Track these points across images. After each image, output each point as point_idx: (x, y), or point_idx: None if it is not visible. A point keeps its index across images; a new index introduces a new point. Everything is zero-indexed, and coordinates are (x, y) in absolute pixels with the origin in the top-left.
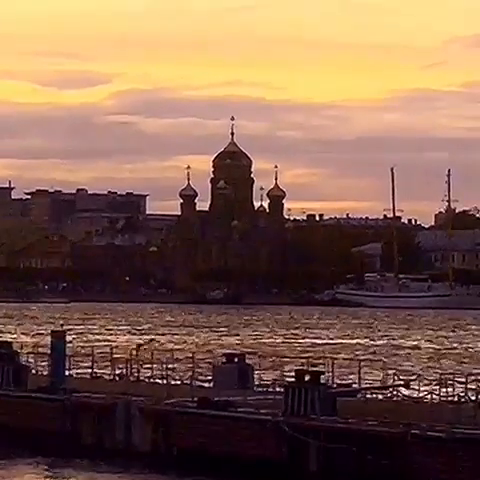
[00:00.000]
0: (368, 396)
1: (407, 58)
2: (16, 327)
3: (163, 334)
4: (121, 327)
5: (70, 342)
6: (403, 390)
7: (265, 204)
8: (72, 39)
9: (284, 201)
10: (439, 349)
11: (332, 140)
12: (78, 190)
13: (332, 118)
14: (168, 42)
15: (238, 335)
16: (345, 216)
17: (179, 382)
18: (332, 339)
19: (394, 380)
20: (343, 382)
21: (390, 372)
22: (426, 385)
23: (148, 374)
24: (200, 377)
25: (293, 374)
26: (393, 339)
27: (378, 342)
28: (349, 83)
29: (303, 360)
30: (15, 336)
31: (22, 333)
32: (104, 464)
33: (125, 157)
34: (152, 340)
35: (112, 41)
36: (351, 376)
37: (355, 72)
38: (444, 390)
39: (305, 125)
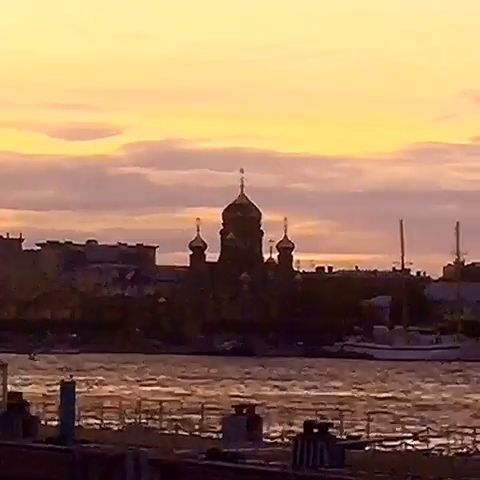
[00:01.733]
0: (377, 448)
1: (418, 111)
2: (27, 378)
3: (172, 385)
4: (130, 378)
5: (79, 393)
6: (412, 442)
7: (274, 256)
8: (84, 91)
9: (293, 253)
10: (449, 401)
11: (342, 193)
12: (88, 241)
13: (342, 171)
14: (180, 94)
15: (247, 386)
16: (354, 268)
17: (188, 433)
18: (341, 391)
19: (403, 432)
20: (352, 434)
21: (399, 424)
22: (435, 437)
23: (157, 425)
24: (209, 428)
25: (302, 426)
26: (402, 392)
27: (386, 394)
28: (360, 136)
29: (312, 412)
30: (25, 387)
31: (32, 384)
32: None
33: (135, 209)
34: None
35: (124, 93)
36: (360, 428)
37: (366, 125)
38: (452, 442)
39: (315, 178)
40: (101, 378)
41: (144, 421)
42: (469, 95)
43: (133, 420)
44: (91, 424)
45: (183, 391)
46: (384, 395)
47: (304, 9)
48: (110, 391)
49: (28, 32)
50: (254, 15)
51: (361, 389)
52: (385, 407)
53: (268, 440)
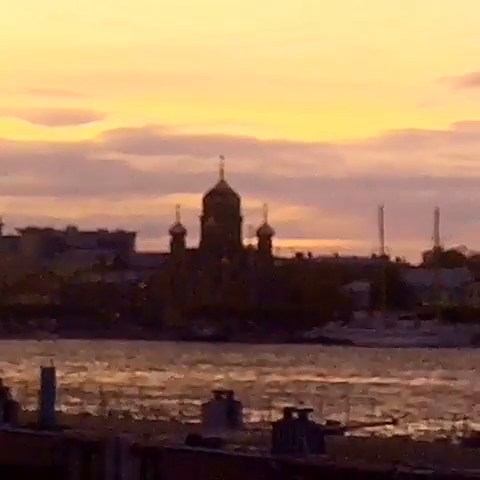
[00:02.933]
0: (356, 434)
1: (397, 98)
2: (6, 363)
3: (151, 371)
4: (109, 364)
5: (59, 378)
6: (391, 427)
7: (254, 242)
8: (64, 76)
9: (273, 239)
10: (427, 387)
11: (322, 179)
12: (68, 227)
13: (322, 157)
14: (160, 80)
15: (226, 372)
16: (333, 254)
17: (168, 419)
18: (319, 377)
19: (383, 417)
20: (331, 419)
21: (378, 409)
22: (414, 422)
23: (137, 411)
24: (189, 414)
25: (281, 411)
26: (381, 377)
27: (366, 380)
28: (340, 123)
29: (291, 397)
30: (4, 372)
31: (12, 369)
32: None
33: (116, 194)
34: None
35: (104, 79)
36: (339, 413)
37: (345, 112)
38: (431, 428)
39: (295, 164)
40: (81, 364)
41: (124, 407)
42: (449, 81)
43: (113, 406)
44: (71, 410)
45: (163, 377)
46: (364, 381)
47: None
48: (90, 377)
49: (8, 17)
50: (235, 1)
51: (340, 375)
52: (365, 392)
53: (248, 426)
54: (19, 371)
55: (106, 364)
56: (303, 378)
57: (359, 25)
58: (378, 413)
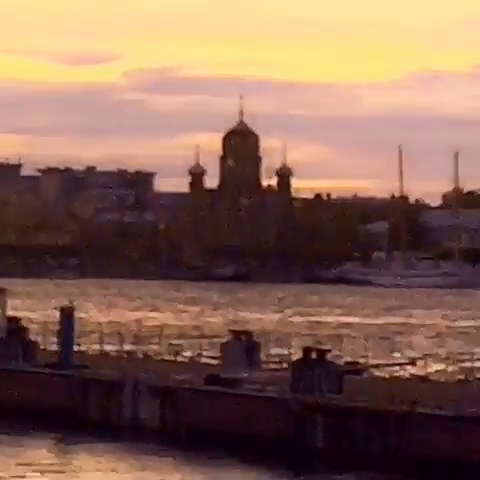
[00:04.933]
0: (375, 374)
1: (414, 40)
2: (26, 303)
3: (171, 311)
4: (130, 303)
5: (78, 318)
6: (410, 368)
7: (273, 182)
8: (83, 18)
9: (291, 179)
10: (446, 328)
11: (341, 119)
12: (88, 168)
13: (342, 97)
14: (181, 22)
15: (245, 312)
16: (352, 195)
17: (187, 359)
18: (339, 317)
19: (401, 358)
20: (350, 360)
21: (397, 350)
22: (433, 363)
23: (156, 351)
24: (208, 354)
25: (300, 351)
26: (403, 316)
27: (385, 320)
28: (359, 63)
29: (310, 337)
30: (24, 312)
31: (31, 309)
32: (111, 439)
33: (135, 134)
34: None
35: (123, 20)
36: (358, 354)
37: (366, 52)
38: (450, 368)
39: (315, 104)
40: (100, 303)
41: (143, 347)
42: (467, 23)
43: (132, 346)
44: (90, 350)
45: (182, 317)
46: (382, 321)
47: None
48: (108, 317)
49: None
50: None
51: (359, 315)
52: (383, 333)
53: (266, 366)
54: (38, 311)
55: (125, 304)
56: (322, 318)
57: None
58: (397, 354)
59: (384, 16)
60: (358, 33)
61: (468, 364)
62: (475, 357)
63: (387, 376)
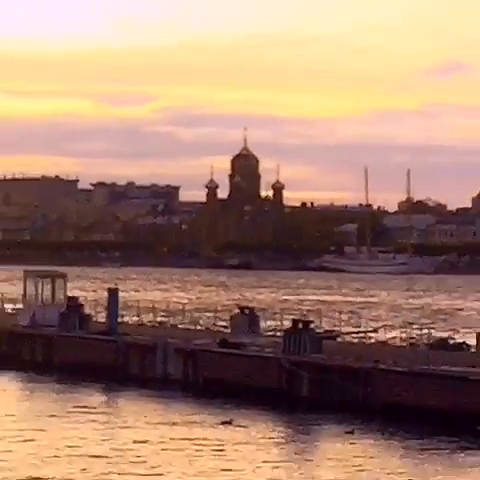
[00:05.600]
0: (346, 339)
1: (376, 85)
2: (81, 286)
3: (192, 291)
4: (160, 285)
5: (121, 297)
6: (373, 335)
7: (269, 194)
8: (129, 68)
9: (283, 192)
10: (400, 304)
11: (320, 146)
12: (128, 183)
13: (322, 129)
14: (199, 70)
15: (248, 292)
16: (330, 204)
17: (204, 328)
18: (319, 295)
19: (366, 327)
20: (328, 328)
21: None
22: (391, 331)
23: (180, 321)
24: (220, 324)
25: (290, 322)
26: (368, 297)
27: (354, 299)
28: (333, 104)
29: (298, 312)
30: (80, 292)
31: (86, 290)
32: (147, 389)
33: (165, 157)
34: None
35: (156, 70)
36: (334, 324)
37: (337, 95)
38: (404, 335)
39: (301, 134)
40: (138, 286)
41: (171, 319)
42: (419, 72)
43: (162, 318)
44: (131, 321)
45: (200, 296)
46: (352, 299)
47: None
48: (144, 295)
49: (85, 26)
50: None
51: (335, 295)
52: (353, 308)
53: (265, 333)
54: (91, 291)
55: (156, 286)
56: (306, 297)
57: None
58: (363, 324)
59: (353, 67)
60: (334, 80)
61: (417, 331)
62: (422, 326)
63: (356, 341)
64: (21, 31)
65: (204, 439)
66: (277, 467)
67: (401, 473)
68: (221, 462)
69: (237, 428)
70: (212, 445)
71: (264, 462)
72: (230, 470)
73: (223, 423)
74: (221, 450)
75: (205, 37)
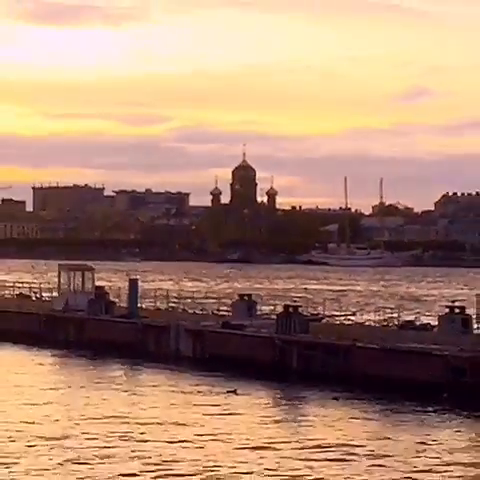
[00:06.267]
0: (329, 321)
1: (356, 108)
2: (106, 277)
3: (199, 281)
4: (173, 276)
5: (140, 286)
6: (352, 317)
7: (265, 199)
8: (142, 94)
9: (276, 197)
10: (374, 291)
11: (307, 159)
12: (146, 190)
13: (307, 145)
14: (205, 96)
15: (247, 282)
16: (315, 207)
17: (210, 312)
18: (307, 284)
19: (346, 311)
20: (313, 312)
21: (344, 306)
22: (366, 314)
23: (190, 306)
24: (223, 308)
25: (282, 307)
26: (347, 286)
27: (337, 287)
28: (317, 124)
29: (288, 298)
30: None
31: (110, 281)
32: (162, 363)
33: (176, 169)
34: None
35: (170, 95)
36: (319, 308)
37: (323, 116)
38: (377, 318)
39: (291, 149)
40: (155, 277)
41: (182, 304)
42: (389, 96)
43: (175, 303)
44: (148, 306)
45: (206, 285)
46: (335, 287)
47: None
48: (160, 285)
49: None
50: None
51: (320, 284)
52: (335, 295)
53: (260, 316)
54: (114, 282)
55: (170, 277)
56: (296, 286)
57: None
58: (343, 308)
59: (334, 93)
60: (318, 104)
61: (388, 314)
62: (393, 310)
63: (337, 322)
64: (57, 63)
65: (212, 405)
66: (274, 427)
67: (377, 431)
68: (227, 423)
69: (239, 397)
70: (220, 409)
71: (263, 423)
72: (235, 430)
73: (228, 392)
74: (228, 414)
75: (209, 67)
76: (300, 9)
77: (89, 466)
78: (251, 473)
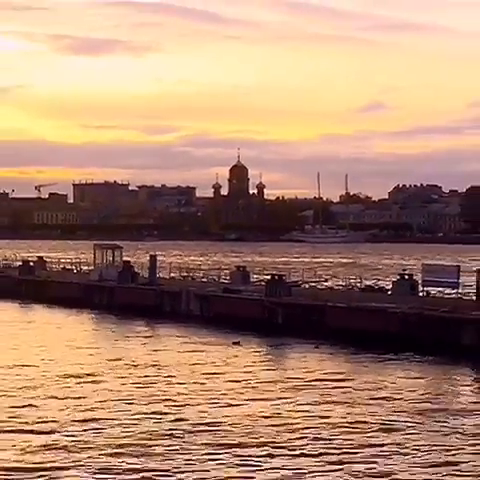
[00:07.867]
0: (307, 286)
1: (326, 118)
2: (132, 254)
3: (203, 256)
4: (184, 252)
5: (159, 261)
6: (324, 283)
7: (255, 191)
8: (155, 111)
9: (265, 190)
10: (342, 263)
11: (289, 160)
12: (162, 185)
13: (290, 148)
14: (207, 110)
15: (242, 256)
16: (295, 197)
17: (213, 280)
18: (289, 259)
19: (320, 278)
20: (294, 279)
21: (317, 274)
22: (336, 280)
23: (197, 276)
24: (224, 277)
25: (270, 276)
26: (320, 258)
27: (311, 259)
28: (297, 131)
29: (274, 269)
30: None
31: (135, 257)
32: (176, 321)
33: (185, 168)
34: None
35: (180, 110)
36: (298, 276)
37: (301, 125)
38: (344, 283)
39: (276, 152)
40: (169, 252)
41: (191, 274)
42: (353, 109)
43: (186, 273)
44: (164, 275)
45: (210, 259)
46: (310, 259)
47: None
48: (173, 259)
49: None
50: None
51: (299, 258)
52: (311, 265)
53: (253, 283)
54: (138, 257)
55: (181, 253)
56: (280, 259)
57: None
58: (318, 276)
59: (310, 107)
60: (297, 115)
61: (353, 280)
62: (356, 277)
63: (313, 287)
64: (91, 85)
65: (221, 353)
66: (269, 370)
67: (348, 373)
68: (231, 368)
69: (238, 347)
70: (225, 357)
71: (259, 368)
72: (239, 373)
73: (233, 343)
74: (233, 357)
75: (210, 88)
76: (281, 42)
77: (126, 393)
78: (253, 401)
